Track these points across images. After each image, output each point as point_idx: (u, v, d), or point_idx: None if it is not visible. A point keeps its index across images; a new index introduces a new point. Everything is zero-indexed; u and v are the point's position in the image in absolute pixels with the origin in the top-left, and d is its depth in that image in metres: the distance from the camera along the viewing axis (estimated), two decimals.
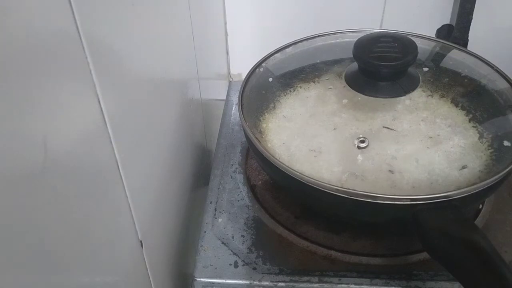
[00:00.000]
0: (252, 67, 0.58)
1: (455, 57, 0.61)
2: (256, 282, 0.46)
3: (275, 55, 0.60)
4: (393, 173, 0.49)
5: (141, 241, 0.37)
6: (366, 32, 0.58)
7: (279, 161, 0.46)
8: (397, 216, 0.43)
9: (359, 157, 0.51)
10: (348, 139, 0.54)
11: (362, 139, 0.52)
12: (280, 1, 0.71)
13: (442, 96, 0.60)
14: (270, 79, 0.59)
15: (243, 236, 0.51)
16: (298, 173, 0.44)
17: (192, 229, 0.56)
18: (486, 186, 0.43)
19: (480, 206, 0.52)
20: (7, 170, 0.20)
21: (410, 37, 0.56)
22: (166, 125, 0.45)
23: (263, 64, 0.59)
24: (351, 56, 0.55)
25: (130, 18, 0.34)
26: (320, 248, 0.49)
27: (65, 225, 0.25)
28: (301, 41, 0.62)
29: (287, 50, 0.61)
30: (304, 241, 0.49)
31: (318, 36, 0.63)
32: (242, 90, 0.54)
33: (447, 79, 0.59)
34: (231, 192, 0.56)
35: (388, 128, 0.55)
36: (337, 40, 0.63)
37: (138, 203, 0.36)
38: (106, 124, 0.29)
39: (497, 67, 0.56)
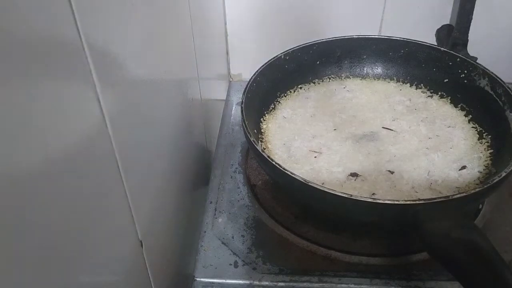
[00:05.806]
0: (256, 71, 0.57)
1: (455, 59, 0.61)
2: (256, 282, 0.46)
3: (276, 56, 0.60)
4: (393, 173, 0.49)
5: (141, 241, 0.37)
6: (366, 37, 0.58)
7: (278, 162, 0.46)
8: (397, 217, 0.43)
9: (359, 157, 0.52)
10: (348, 139, 0.54)
11: (361, 139, 0.52)
12: (280, 2, 0.71)
13: (442, 96, 0.60)
14: (271, 80, 0.59)
15: (243, 236, 0.51)
16: (298, 174, 0.44)
17: (192, 229, 0.56)
18: (485, 187, 0.43)
19: (480, 206, 0.52)
20: (7, 170, 0.20)
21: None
22: (166, 125, 0.45)
23: (265, 65, 0.59)
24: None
25: (130, 18, 0.34)
26: (320, 248, 0.49)
27: (65, 225, 0.25)
28: (301, 47, 0.61)
29: (289, 51, 0.61)
30: (304, 241, 0.49)
31: (319, 41, 0.63)
32: (244, 91, 0.54)
33: (447, 79, 0.59)
34: (231, 192, 0.56)
35: (388, 128, 0.55)
36: (337, 41, 0.63)
37: (138, 203, 0.36)
38: (106, 124, 0.29)
39: (496, 74, 0.55)
